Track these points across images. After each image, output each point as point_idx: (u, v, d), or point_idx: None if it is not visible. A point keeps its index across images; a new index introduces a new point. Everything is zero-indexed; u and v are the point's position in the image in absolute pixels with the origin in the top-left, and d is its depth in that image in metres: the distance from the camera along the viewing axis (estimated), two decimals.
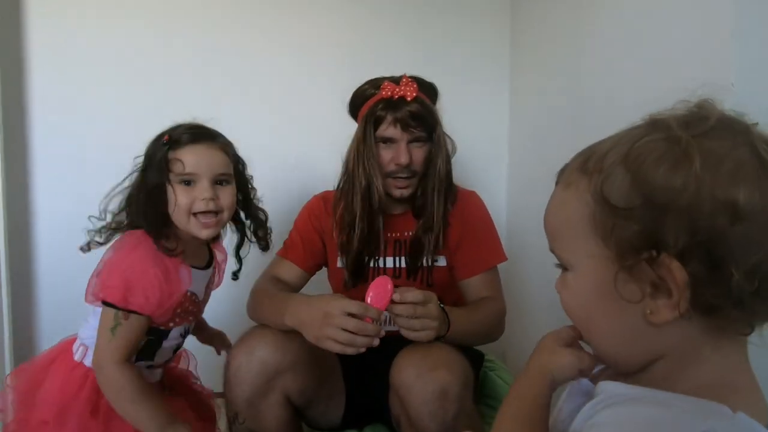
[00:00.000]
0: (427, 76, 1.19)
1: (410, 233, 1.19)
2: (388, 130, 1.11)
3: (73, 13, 1.58)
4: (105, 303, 0.87)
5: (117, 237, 0.94)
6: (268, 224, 1.08)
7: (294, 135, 1.75)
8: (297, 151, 1.75)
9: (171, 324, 0.96)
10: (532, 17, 1.75)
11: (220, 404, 1.11)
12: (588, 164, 0.43)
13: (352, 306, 0.90)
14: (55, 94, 1.60)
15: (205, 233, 0.93)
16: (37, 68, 1.58)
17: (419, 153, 1.13)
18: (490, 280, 1.18)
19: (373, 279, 1.17)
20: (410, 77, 1.14)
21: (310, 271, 1.24)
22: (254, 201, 1.07)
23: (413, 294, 0.93)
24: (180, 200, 0.91)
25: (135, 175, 0.95)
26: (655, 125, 0.42)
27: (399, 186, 1.14)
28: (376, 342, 0.91)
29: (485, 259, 1.19)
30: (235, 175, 1.00)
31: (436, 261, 1.18)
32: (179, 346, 1.03)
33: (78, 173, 1.61)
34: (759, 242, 0.37)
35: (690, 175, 0.37)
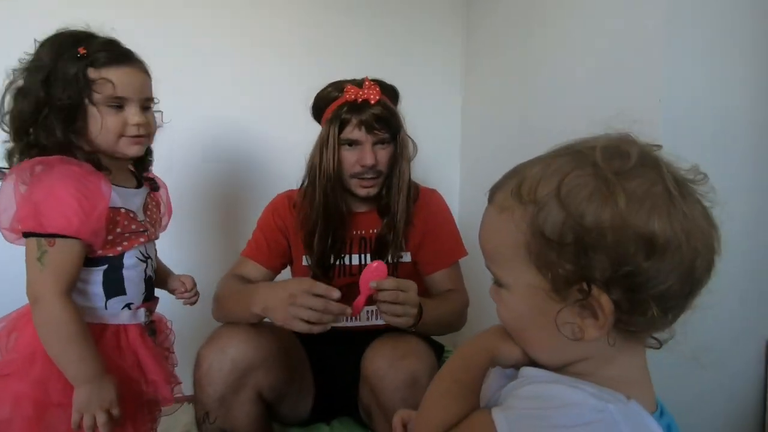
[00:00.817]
0: (384, 78, 1.23)
1: (375, 231, 1.22)
2: (353, 132, 1.13)
3: None
4: (25, 235, 0.82)
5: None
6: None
7: (256, 134, 1.75)
8: (260, 150, 1.76)
9: (119, 248, 0.90)
10: (485, 23, 1.84)
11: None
12: (521, 191, 0.47)
13: (317, 286, 0.94)
14: None
15: (134, 150, 0.92)
16: None
17: (384, 154, 1.16)
18: (453, 275, 1.25)
19: (339, 277, 1.22)
20: (372, 80, 1.16)
21: (275, 271, 1.25)
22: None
23: (389, 282, 0.97)
24: (109, 124, 0.87)
25: (25, 86, 0.85)
26: (581, 158, 0.46)
27: (365, 186, 1.17)
28: (341, 320, 0.95)
29: (448, 255, 1.25)
30: None
31: (401, 257, 1.23)
32: (149, 277, 0.98)
33: None
34: (666, 273, 0.43)
35: (616, 214, 0.42)
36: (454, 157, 1.99)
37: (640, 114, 1.08)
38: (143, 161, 1.01)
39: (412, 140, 1.24)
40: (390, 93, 1.21)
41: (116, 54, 0.88)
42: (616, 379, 0.48)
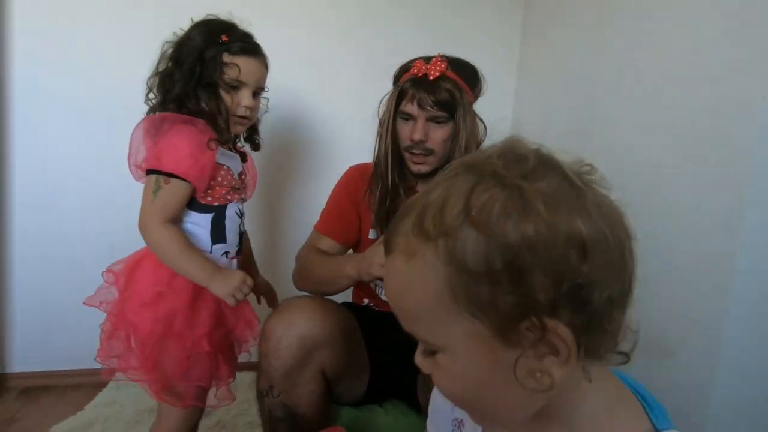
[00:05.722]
0: None
1: None
2: (407, 106, 1.13)
3: None
4: (148, 173, 0.99)
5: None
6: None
7: (315, 110, 1.80)
8: (318, 127, 1.81)
9: (222, 200, 1.05)
10: (545, 12, 1.81)
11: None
12: (425, 226, 0.39)
13: None
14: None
15: (237, 128, 1.09)
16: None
17: (439, 133, 1.13)
18: None
19: None
20: (443, 57, 1.14)
21: (349, 246, 1.26)
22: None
23: None
24: (228, 103, 1.04)
25: (181, 58, 1.01)
26: (479, 171, 0.40)
27: (416, 162, 1.16)
28: None
29: None
30: None
31: None
32: (242, 232, 1.13)
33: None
34: (605, 273, 0.38)
35: (539, 221, 0.37)
36: None
37: (738, 111, 1.00)
38: (248, 136, 1.18)
39: (483, 123, 1.20)
40: (462, 71, 1.16)
41: (249, 46, 1.05)
42: (606, 410, 0.43)
